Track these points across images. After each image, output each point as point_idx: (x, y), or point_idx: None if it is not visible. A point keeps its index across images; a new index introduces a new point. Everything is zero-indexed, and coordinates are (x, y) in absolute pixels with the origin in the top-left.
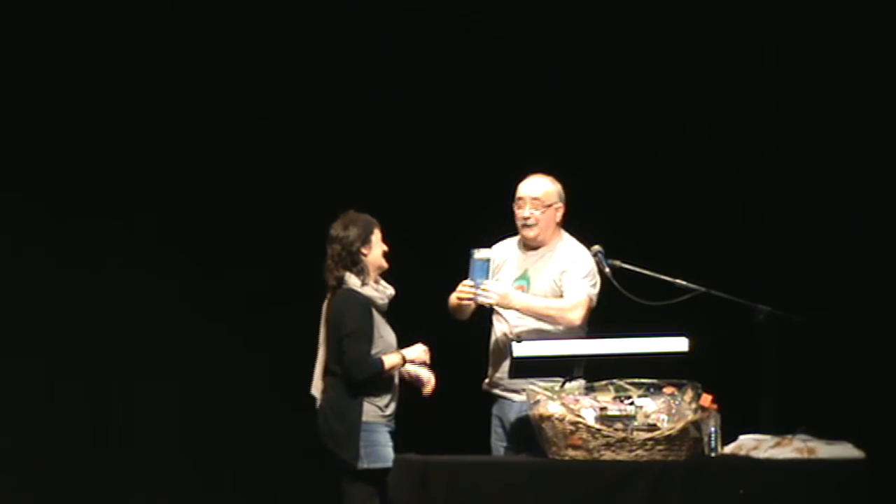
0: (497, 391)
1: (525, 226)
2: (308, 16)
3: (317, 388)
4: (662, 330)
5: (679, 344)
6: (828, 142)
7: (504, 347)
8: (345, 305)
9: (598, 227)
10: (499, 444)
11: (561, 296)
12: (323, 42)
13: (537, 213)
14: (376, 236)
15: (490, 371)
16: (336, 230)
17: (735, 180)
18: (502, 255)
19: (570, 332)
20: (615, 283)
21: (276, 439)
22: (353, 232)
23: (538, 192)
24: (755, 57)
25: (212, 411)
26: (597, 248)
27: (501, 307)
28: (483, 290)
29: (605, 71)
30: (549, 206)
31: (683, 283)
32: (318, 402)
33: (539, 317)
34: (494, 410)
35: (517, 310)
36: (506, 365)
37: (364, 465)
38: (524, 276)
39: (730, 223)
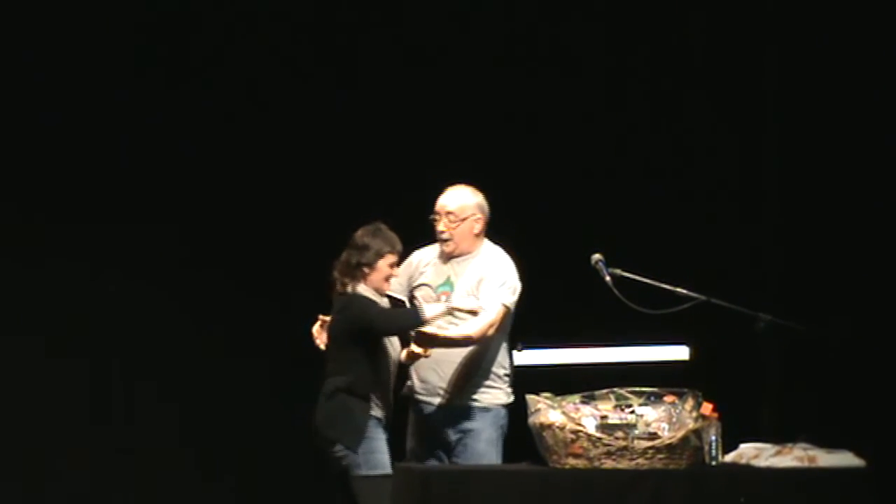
0: (419, 396)
1: (441, 240)
2: None
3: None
4: (663, 338)
5: (680, 352)
6: (828, 149)
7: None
8: (357, 306)
9: (598, 236)
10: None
11: None
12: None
13: (452, 227)
14: (386, 261)
15: (414, 377)
16: (355, 239)
17: (736, 189)
18: (425, 259)
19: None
20: (616, 291)
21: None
22: (365, 248)
23: (452, 206)
24: (752, 79)
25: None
26: (597, 256)
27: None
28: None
29: (602, 81)
30: (465, 219)
31: (684, 291)
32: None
33: (451, 345)
34: (414, 413)
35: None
36: (428, 372)
37: (363, 472)
38: (447, 283)
39: (731, 231)
